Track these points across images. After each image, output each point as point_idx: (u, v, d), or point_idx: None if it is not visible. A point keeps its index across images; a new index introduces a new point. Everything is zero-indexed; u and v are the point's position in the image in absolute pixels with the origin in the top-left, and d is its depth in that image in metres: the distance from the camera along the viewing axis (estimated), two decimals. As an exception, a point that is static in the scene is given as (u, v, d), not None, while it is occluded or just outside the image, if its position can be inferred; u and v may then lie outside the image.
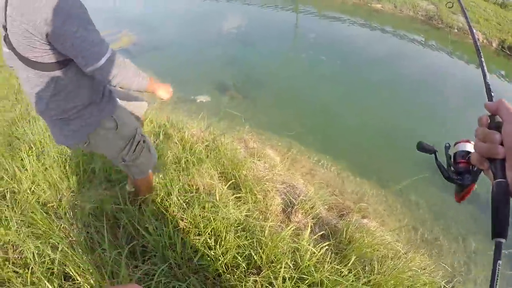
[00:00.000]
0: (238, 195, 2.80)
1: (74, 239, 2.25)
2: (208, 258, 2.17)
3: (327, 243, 2.53)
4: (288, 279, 2.11)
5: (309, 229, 2.53)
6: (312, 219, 2.96)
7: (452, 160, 0.90)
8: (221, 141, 3.66)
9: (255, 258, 2.19)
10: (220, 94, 6.87)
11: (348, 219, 2.95)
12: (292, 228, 2.49)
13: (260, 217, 2.62)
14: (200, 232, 2.29)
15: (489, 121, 0.70)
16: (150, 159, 2.20)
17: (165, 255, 2.16)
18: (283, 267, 2.09)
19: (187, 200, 2.51)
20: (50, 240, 2.19)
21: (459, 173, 0.86)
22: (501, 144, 0.64)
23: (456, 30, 15.35)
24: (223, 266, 2.15)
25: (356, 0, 16.41)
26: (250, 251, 2.21)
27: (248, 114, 6.03)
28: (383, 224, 4.09)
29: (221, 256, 2.16)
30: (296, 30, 12.45)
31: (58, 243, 2.13)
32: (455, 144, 0.91)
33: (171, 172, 2.89)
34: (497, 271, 0.57)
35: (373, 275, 2.41)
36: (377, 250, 2.81)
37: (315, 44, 10.77)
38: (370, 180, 5.04)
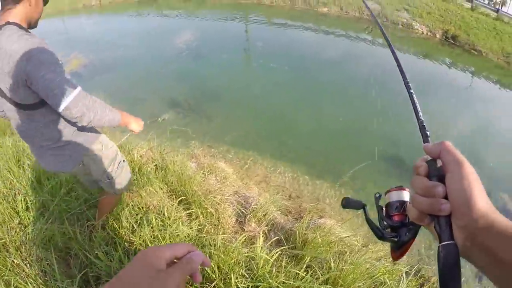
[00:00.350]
0: (189, 211, 2.81)
1: (27, 273, 2.20)
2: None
3: (281, 248, 2.58)
4: (243, 288, 2.14)
5: (261, 237, 2.56)
6: (266, 226, 3.01)
7: (384, 213, 0.75)
8: (170, 159, 3.66)
9: (208, 272, 2.21)
10: (173, 111, 6.84)
11: (303, 221, 3.00)
12: (244, 238, 2.52)
13: (212, 230, 2.64)
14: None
15: (428, 168, 0.61)
16: (128, 176, 2.36)
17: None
18: (233, 277, 2.12)
19: (137, 222, 2.51)
20: (4, 277, 2.14)
21: (394, 229, 0.72)
22: (445, 197, 0.56)
23: (401, 26, 16.06)
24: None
25: (304, 6, 16.81)
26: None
27: (202, 128, 6.06)
28: (341, 220, 4.17)
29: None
30: (246, 40, 12.60)
31: (12, 280, 2.09)
32: (386, 193, 0.76)
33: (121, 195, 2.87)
34: None
35: (330, 272, 2.48)
36: (333, 247, 2.87)
37: (266, 53, 10.95)
38: (326, 180, 5.15)
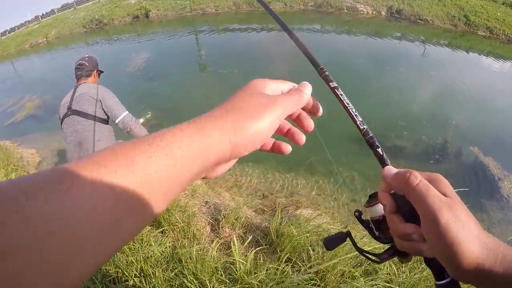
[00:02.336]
0: (161, 229, 2.83)
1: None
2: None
3: (257, 247, 2.64)
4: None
5: (235, 240, 2.61)
6: (240, 228, 3.05)
7: (377, 230, 0.66)
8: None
9: (188, 285, 2.23)
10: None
11: (276, 217, 3.05)
12: (218, 245, 2.57)
13: (186, 244, 2.67)
14: (127, 278, 2.30)
15: (395, 206, 0.54)
16: None
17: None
18: (210, 286, 2.16)
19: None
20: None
21: (391, 241, 0.63)
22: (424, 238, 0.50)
23: (346, 10, 16.48)
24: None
25: (248, 8, 16.99)
26: (182, 280, 2.26)
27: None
28: (318, 209, 4.24)
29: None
30: (198, 51, 12.61)
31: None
32: (367, 207, 0.68)
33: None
34: None
35: (311, 262, 2.53)
36: (310, 237, 2.92)
37: (217, 60, 11.06)
38: (298, 172, 5.24)
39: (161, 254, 2.48)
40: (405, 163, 5.52)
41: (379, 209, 0.63)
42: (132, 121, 2.87)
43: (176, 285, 2.25)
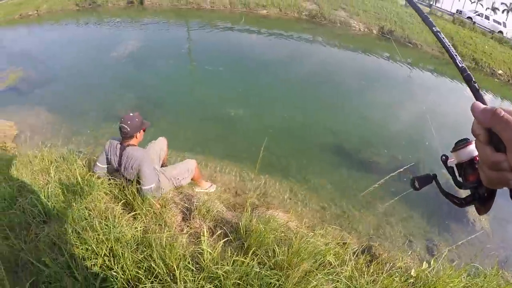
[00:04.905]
0: (133, 213, 2.90)
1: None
2: (111, 279, 2.25)
3: (224, 239, 2.73)
4: (190, 281, 2.26)
5: (205, 232, 2.69)
6: (211, 221, 3.14)
7: (459, 176, 0.71)
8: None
9: (156, 269, 2.30)
10: (116, 120, 6.73)
11: (246, 213, 3.14)
12: (189, 234, 2.65)
13: (157, 230, 2.74)
14: (97, 256, 2.35)
15: (488, 136, 0.56)
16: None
17: (67, 285, 2.20)
18: (178, 271, 2.24)
19: (83, 227, 2.56)
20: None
21: (472, 189, 0.67)
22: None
23: (339, 25, 16.77)
24: (125, 283, 2.24)
25: (243, 9, 17.05)
26: (150, 263, 2.32)
27: (146, 136, 6.05)
28: (289, 212, 4.33)
29: (122, 273, 2.26)
30: (188, 45, 12.59)
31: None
32: (453, 151, 0.70)
33: (63, 203, 2.91)
34: None
35: (276, 257, 2.62)
36: (277, 234, 3.02)
37: (209, 56, 11.06)
38: (273, 174, 5.35)
39: (132, 236, 2.54)
40: (378, 178, 5.67)
41: (465, 153, 0.68)
42: (153, 192, 3.19)
43: (144, 267, 2.32)
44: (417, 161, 6.46)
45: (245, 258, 2.51)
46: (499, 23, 27.94)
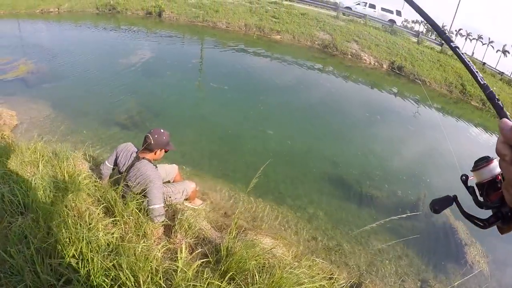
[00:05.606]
0: (113, 218, 2.81)
1: None
2: (75, 282, 2.14)
3: (202, 260, 2.61)
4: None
5: (184, 248, 2.58)
6: (192, 238, 3.03)
7: (481, 196, 0.68)
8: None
9: (123, 280, 2.19)
10: (116, 126, 6.74)
11: (231, 234, 3.03)
12: (165, 248, 2.54)
13: (134, 239, 2.63)
14: (64, 255, 2.26)
15: None
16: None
17: (27, 279, 2.10)
18: (145, 287, 2.13)
19: (57, 224, 2.48)
20: None
21: (494, 208, 0.65)
22: None
23: (350, 56, 16.90)
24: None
25: (258, 32, 17.26)
26: (119, 272, 2.22)
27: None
28: (277, 238, 4.22)
29: (86, 278, 2.15)
30: (200, 61, 12.61)
31: None
32: (474, 171, 0.68)
33: (44, 198, 2.85)
34: None
35: (255, 285, 2.50)
36: (259, 260, 2.91)
37: (217, 75, 11.04)
38: (266, 199, 5.21)
39: (105, 242, 2.44)
40: (376, 214, 5.55)
41: (486, 171, 0.65)
42: (159, 215, 3.05)
43: (111, 276, 2.21)
44: (417, 197, 6.32)
45: (221, 282, 2.39)
46: (390, 11, 26.66)
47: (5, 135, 5.53)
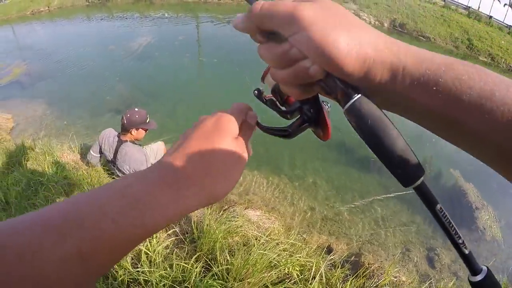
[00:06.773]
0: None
1: None
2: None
3: (172, 239, 2.61)
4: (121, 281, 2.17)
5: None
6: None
7: (282, 105, 0.61)
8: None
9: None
10: (113, 111, 6.78)
11: (208, 212, 2.99)
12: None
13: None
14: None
15: (263, 35, 0.45)
16: None
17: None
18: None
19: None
20: None
21: (297, 112, 0.57)
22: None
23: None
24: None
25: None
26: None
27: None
28: (270, 211, 4.16)
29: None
30: (196, 40, 12.35)
31: None
32: (262, 80, 0.59)
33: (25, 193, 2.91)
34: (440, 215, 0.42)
35: (223, 265, 2.37)
36: (233, 238, 2.82)
37: (215, 51, 10.77)
38: (262, 170, 5.13)
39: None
40: (379, 178, 5.35)
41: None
42: None
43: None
44: (422, 160, 6.06)
45: (187, 263, 2.31)
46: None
47: (2, 139, 5.65)
